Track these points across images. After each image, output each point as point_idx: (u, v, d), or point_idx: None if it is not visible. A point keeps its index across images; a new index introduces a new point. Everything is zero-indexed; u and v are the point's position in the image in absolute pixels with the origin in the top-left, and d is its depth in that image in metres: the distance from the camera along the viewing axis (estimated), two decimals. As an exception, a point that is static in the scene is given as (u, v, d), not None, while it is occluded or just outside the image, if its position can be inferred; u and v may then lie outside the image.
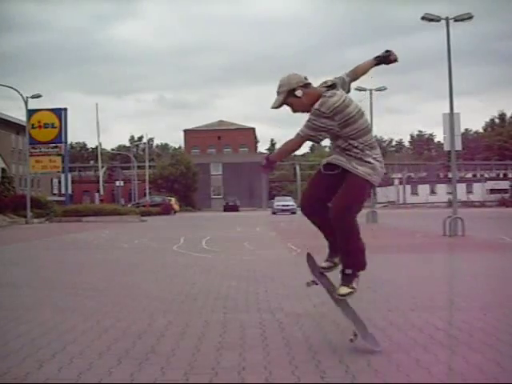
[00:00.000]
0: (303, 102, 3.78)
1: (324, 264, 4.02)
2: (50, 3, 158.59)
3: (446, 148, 18.01)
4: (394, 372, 3.21)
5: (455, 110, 17.21)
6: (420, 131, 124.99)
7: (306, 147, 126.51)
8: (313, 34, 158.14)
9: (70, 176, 43.71)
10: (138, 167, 61.97)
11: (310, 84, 3.81)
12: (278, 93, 3.81)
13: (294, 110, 3.86)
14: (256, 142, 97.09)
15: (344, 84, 3.90)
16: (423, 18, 17.61)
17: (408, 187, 76.73)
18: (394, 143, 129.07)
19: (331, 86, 3.77)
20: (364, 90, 31.85)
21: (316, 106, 3.67)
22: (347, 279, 3.79)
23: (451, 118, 16.98)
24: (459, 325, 4.41)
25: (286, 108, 3.87)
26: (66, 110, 37.01)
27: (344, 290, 3.78)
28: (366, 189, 3.83)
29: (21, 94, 32.83)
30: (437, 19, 17.51)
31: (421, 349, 3.69)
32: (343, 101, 3.68)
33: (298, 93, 3.76)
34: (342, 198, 3.75)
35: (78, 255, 11.49)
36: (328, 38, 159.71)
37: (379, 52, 4.02)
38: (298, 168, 74.93)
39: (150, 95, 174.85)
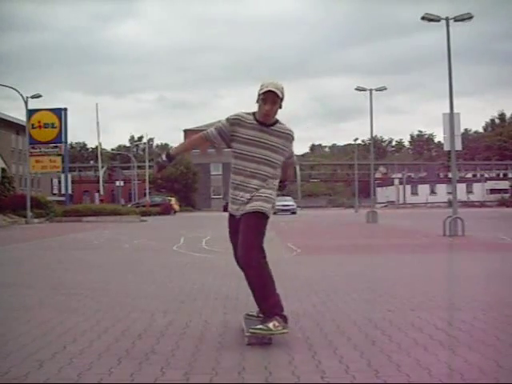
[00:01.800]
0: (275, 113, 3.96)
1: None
2: (50, 3, 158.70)
3: (446, 148, 18.03)
4: (394, 372, 3.21)
5: (455, 110, 17.26)
6: (420, 131, 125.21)
7: (306, 147, 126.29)
8: (313, 33, 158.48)
9: (69, 176, 43.71)
10: (138, 167, 61.99)
11: None
12: (281, 99, 3.89)
13: (267, 116, 3.92)
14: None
15: None
16: (423, 18, 17.62)
17: (408, 187, 76.78)
18: (393, 143, 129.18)
19: None
20: (364, 89, 31.87)
21: (292, 134, 4.01)
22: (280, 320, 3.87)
23: (451, 118, 16.99)
24: (459, 325, 4.41)
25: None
26: (65, 109, 37.05)
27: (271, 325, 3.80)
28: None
29: (21, 94, 32.83)
30: (437, 19, 17.53)
31: (421, 349, 3.69)
32: None
33: (281, 105, 3.94)
34: (254, 240, 3.95)
35: (78, 255, 11.48)
36: (328, 38, 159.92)
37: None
38: (297, 168, 74.94)
39: (150, 95, 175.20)
